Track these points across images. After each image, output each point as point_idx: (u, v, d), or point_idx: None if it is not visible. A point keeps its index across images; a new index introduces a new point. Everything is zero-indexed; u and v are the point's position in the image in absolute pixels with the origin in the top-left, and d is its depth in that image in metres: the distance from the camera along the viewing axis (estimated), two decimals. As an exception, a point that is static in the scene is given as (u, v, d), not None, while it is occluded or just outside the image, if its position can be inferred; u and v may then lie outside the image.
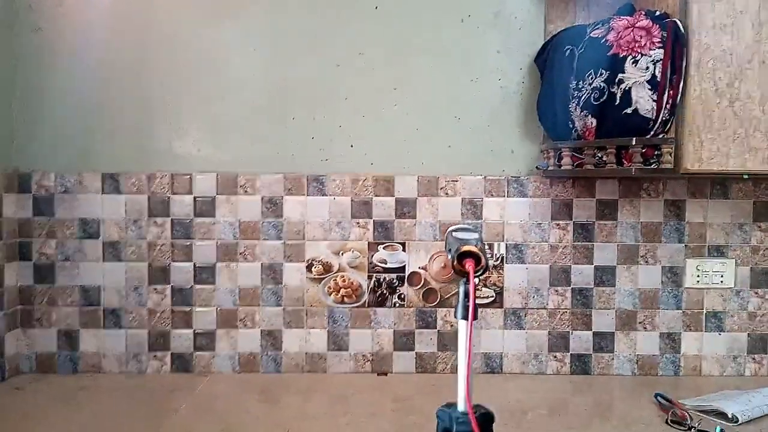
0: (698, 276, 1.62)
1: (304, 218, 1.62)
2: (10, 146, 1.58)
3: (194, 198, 1.61)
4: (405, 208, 1.63)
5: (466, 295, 0.77)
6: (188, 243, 1.61)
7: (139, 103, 1.61)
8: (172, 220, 1.61)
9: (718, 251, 1.62)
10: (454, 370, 0.86)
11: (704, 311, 1.63)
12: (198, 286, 1.62)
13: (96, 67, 1.60)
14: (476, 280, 0.80)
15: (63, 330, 1.62)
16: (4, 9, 1.56)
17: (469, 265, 0.78)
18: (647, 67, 1.26)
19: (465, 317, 0.77)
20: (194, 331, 1.62)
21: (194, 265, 1.62)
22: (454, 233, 0.86)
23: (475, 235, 0.83)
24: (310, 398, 1.44)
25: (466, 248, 0.79)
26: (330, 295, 1.63)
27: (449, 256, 0.81)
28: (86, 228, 1.60)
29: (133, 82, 1.60)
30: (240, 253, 1.62)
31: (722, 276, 1.62)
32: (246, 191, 1.61)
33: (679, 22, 1.26)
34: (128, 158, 1.61)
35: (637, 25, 1.29)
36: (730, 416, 1.29)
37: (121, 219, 1.60)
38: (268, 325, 1.63)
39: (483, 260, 0.79)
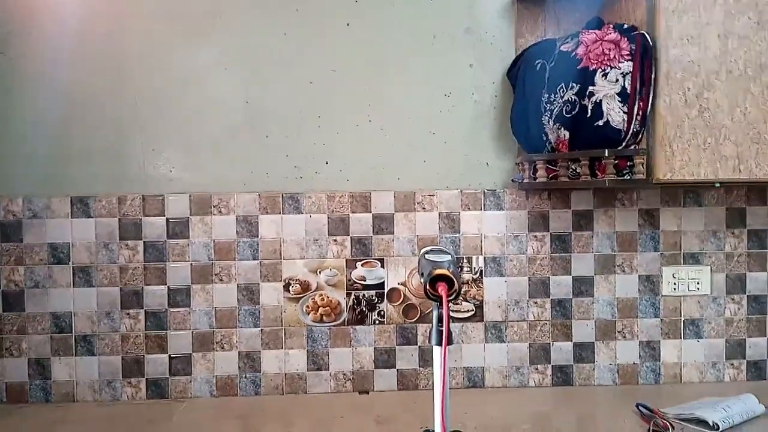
0: (675, 283, 1.63)
1: (280, 237, 1.60)
2: (-26, 171, 1.54)
3: (167, 219, 1.58)
4: (382, 224, 1.61)
5: (440, 320, 0.76)
6: (162, 265, 1.58)
7: (110, 126, 1.58)
8: (144, 242, 1.58)
9: (693, 258, 1.63)
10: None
11: (682, 318, 1.64)
12: (172, 310, 1.59)
13: (65, 90, 1.57)
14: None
15: (34, 358, 1.57)
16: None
17: (442, 289, 0.77)
18: (617, 80, 1.27)
19: (439, 343, 0.75)
20: (169, 355, 1.59)
21: (168, 288, 1.58)
22: (426, 255, 0.84)
23: (448, 257, 0.82)
24: (292, 423, 1.41)
25: (438, 272, 0.77)
26: (308, 314, 1.61)
27: (421, 280, 0.79)
28: (55, 253, 1.56)
29: (103, 104, 1.57)
30: (215, 274, 1.59)
31: (698, 283, 1.63)
32: (220, 211, 1.59)
33: (647, 35, 1.27)
34: (100, 181, 1.57)
35: (605, 38, 1.30)
36: (711, 424, 1.29)
37: (91, 243, 1.57)
38: (245, 347, 1.60)
39: (456, 284, 0.77)
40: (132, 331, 1.58)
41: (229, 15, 1.59)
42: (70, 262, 1.57)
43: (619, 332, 1.63)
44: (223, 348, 1.59)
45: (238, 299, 1.59)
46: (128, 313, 1.58)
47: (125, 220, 1.57)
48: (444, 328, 0.74)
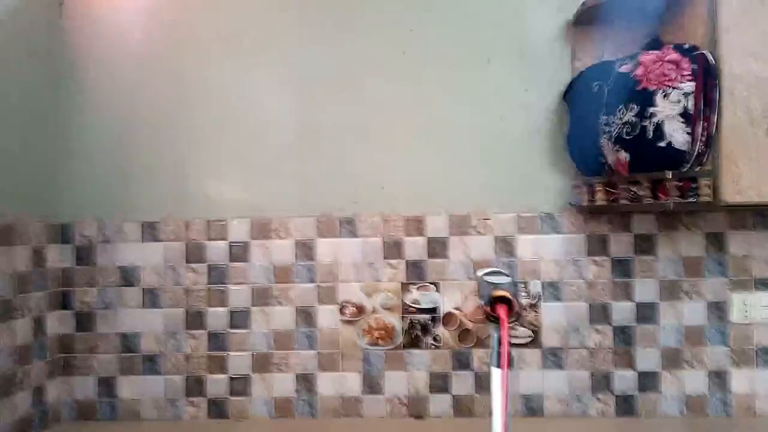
0: (746, 310, 1.55)
1: (336, 260, 1.62)
2: (52, 198, 1.64)
3: (229, 243, 1.63)
4: (436, 248, 1.62)
5: (500, 342, 0.75)
6: (223, 288, 1.63)
7: (176, 153, 1.65)
8: (208, 265, 1.63)
9: (764, 284, 1.55)
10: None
11: (754, 347, 1.56)
12: (233, 331, 1.63)
13: (131, 117, 1.66)
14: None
15: (103, 377, 1.64)
16: (48, 68, 1.64)
17: (502, 310, 0.76)
18: (679, 100, 1.25)
19: (499, 365, 0.75)
20: (229, 376, 1.62)
21: (229, 310, 1.63)
22: (485, 277, 0.84)
23: (508, 279, 0.82)
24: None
25: (498, 293, 0.77)
26: (364, 337, 1.62)
27: (481, 302, 0.79)
28: (125, 276, 1.64)
29: (167, 130, 1.65)
30: (274, 297, 1.63)
31: (771, 310, 1.55)
32: (279, 235, 1.63)
33: (708, 55, 1.24)
34: (166, 206, 1.64)
35: (665, 58, 1.28)
36: (789, 461, 1.21)
37: (159, 266, 1.64)
38: (302, 369, 1.62)
39: (516, 306, 0.77)
40: (195, 351, 1.63)
41: (286, 41, 1.65)
42: (140, 285, 1.64)
43: (686, 361, 1.56)
44: (280, 370, 1.62)
45: (295, 321, 1.62)
46: (191, 334, 1.63)
47: (191, 243, 1.64)
48: (504, 350, 0.73)
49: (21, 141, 1.53)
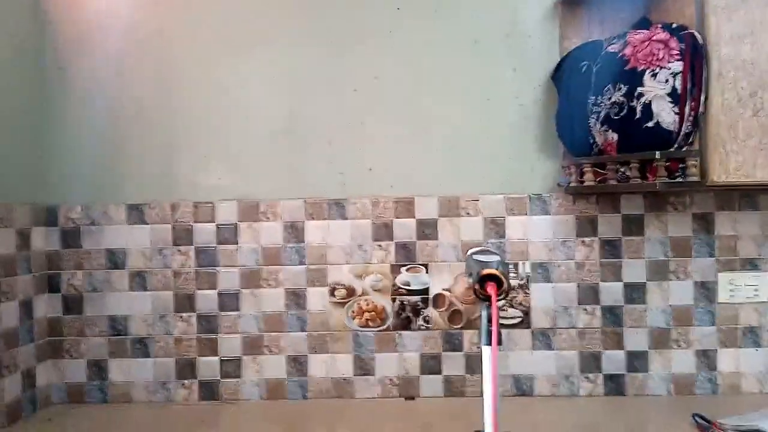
0: (732, 290, 1.57)
1: (325, 242, 1.62)
2: (37, 181, 1.62)
3: (217, 226, 1.63)
4: (426, 230, 1.62)
5: (489, 320, 0.75)
6: (212, 270, 1.63)
7: (161, 136, 1.64)
8: (195, 248, 1.63)
9: (751, 264, 1.57)
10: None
11: (740, 326, 1.57)
12: (223, 313, 1.63)
13: (119, 102, 1.64)
14: (499, 303, 0.79)
15: (92, 360, 1.63)
16: (31, 51, 1.61)
17: (491, 288, 0.76)
18: (667, 80, 1.25)
19: (489, 343, 0.75)
20: (220, 358, 1.62)
21: (218, 292, 1.62)
22: (474, 256, 0.84)
23: (497, 258, 0.82)
24: (337, 429, 1.42)
25: (487, 271, 0.77)
26: (354, 319, 1.62)
27: (470, 280, 0.79)
28: (113, 259, 1.63)
29: (155, 115, 1.64)
30: (263, 279, 1.62)
31: (756, 289, 1.56)
32: (267, 217, 1.62)
33: (697, 34, 1.24)
34: (152, 189, 1.63)
35: (654, 38, 1.27)
36: (772, 436, 1.23)
37: (146, 248, 1.63)
38: (293, 351, 1.62)
39: (505, 283, 0.77)
40: (185, 333, 1.62)
41: (273, 25, 1.63)
42: (127, 267, 1.63)
43: (673, 341, 1.58)
44: (271, 351, 1.62)
45: (285, 304, 1.62)
46: (181, 317, 1.62)
47: (178, 226, 1.63)
48: (493, 328, 0.74)
49: (6, 125, 1.50)
